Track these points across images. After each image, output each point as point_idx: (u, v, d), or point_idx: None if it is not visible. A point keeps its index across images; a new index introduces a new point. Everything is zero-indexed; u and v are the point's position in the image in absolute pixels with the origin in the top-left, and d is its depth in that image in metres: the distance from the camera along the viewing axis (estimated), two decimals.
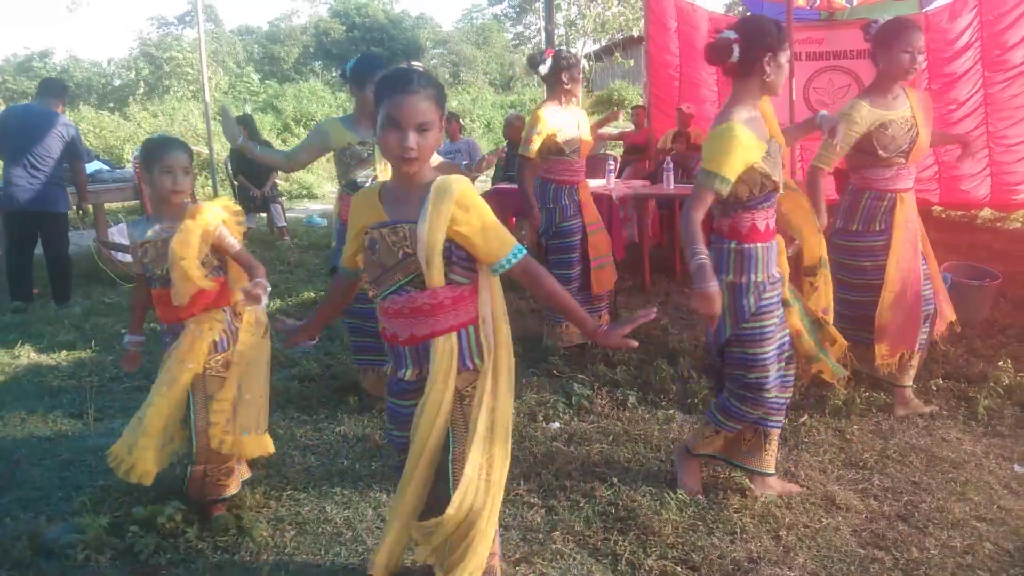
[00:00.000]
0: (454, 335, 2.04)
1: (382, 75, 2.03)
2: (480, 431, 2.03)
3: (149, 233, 2.79)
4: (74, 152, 6.03)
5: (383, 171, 3.63)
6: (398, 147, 1.93)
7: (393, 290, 2.04)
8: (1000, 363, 4.04)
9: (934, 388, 3.90)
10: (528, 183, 4.55)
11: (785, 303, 2.88)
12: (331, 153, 3.78)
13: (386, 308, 2.08)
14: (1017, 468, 3.19)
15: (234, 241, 2.83)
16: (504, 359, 2.12)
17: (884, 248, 3.53)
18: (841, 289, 3.54)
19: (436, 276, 1.98)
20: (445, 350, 2.03)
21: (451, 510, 1.98)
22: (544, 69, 4.46)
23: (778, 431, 2.99)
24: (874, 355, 3.59)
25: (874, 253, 3.55)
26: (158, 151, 2.73)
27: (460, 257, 2.01)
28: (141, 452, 2.71)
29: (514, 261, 2.00)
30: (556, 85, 4.48)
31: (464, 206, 1.95)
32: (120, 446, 2.76)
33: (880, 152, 3.46)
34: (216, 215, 2.78)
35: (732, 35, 2.67)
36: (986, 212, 7.91)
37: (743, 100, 2.72)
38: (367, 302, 3.69)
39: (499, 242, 2.00)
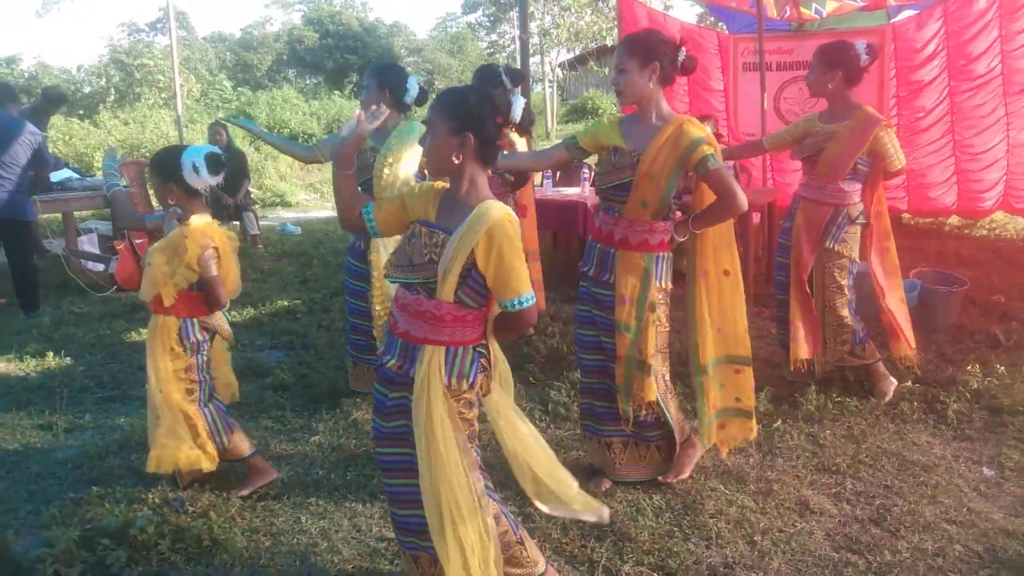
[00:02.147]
0: (443, 350, 2.05)
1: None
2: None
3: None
4: (40, 160, 5.93)
5: (380, 180, 3.66)
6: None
7: (407, 285, 2.09)
8: (968, 368, 4.11)
9: (904, 392, 3.95)
10: None
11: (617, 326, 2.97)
12: (300, 157, 4.05)
13: (396, 296, 2.14)
14: (986, 471, 3.25)
15: (213, 269, 2.98)
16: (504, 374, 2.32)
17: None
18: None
19: (447, 291, 2.01)
20: (431, 361, 2.04)
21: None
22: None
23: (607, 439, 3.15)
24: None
25: None
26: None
27: (476, 282, 2.03)
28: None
29: (518, 307, 2.01)
30: None
31: (490, 238, 1.96)
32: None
33: None
34: (204, 241, 2.95)
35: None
36: (953, 219, 8.04)
37: None
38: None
39: (510, 286, 2.00)
